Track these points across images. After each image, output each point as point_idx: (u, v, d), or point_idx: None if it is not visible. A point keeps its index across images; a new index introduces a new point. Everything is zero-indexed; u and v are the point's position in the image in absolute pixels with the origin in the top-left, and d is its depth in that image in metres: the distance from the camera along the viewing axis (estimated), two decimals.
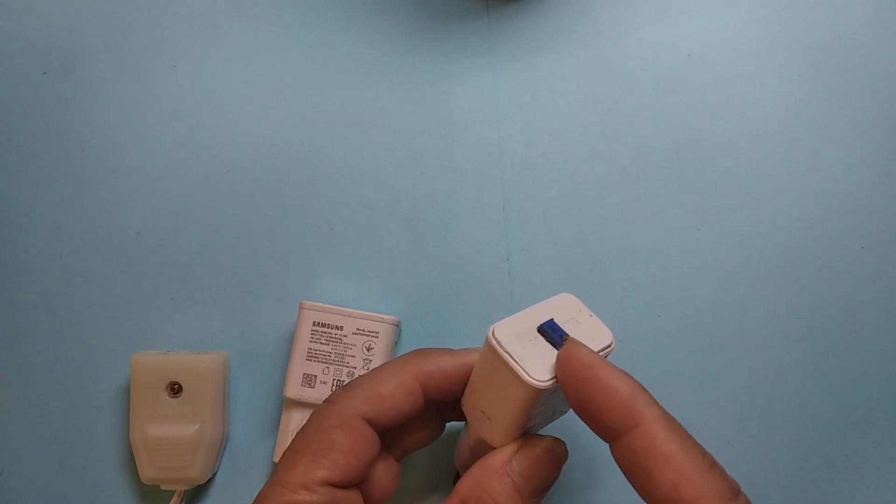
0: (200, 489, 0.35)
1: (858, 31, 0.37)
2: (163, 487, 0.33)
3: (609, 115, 0.36)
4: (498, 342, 0.25)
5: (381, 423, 0.27)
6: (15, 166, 0.37)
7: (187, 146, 0.37)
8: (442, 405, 0.30)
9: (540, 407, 0.25)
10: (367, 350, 0.33)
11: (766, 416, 0.35)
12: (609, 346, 0.26)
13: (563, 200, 0.36)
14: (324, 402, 0.27)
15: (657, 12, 0.37)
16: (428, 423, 0.30)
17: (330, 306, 0.33)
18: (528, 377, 0.24)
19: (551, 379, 0.24)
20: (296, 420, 0.33)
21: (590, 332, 0.26)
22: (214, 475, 0.35)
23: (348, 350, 0.33)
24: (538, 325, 0.25)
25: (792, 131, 0.36)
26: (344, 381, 0.33)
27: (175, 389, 0.33)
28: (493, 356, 0.25)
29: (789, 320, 0.35)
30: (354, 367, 0.33)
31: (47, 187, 0.37)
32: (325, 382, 0.33)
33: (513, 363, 0.24)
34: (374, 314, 0.33)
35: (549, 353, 0.25)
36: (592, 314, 0.27)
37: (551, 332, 0.25)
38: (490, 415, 0.26)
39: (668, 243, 0.36)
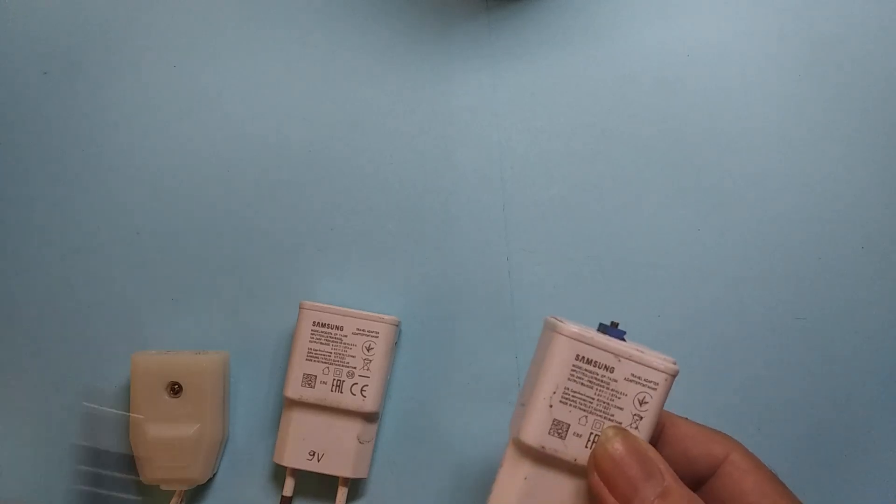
0: (200, 489, 0.35)
1: (858, 31, 0.37)
2: (163, 487, 0.33)
3: (609, 115, 0.36)
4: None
5: None
6: (15, 166, 0.37)
7: (187, 146, 0.37)
8: None
9: (575, 380, 0.24)
10: (367, 350, 0.33)
11: (766, 416, 0.35)
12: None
13: (563, 200, 0.36)
14: None
15: (657, 12, 0.37)
16: None
17: (330, 306, 0.33)
18: (565, 326, 0.24)
19: (588, 337, 0.24)
20: (296, 420, 0.33)
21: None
22: (214, 475, 0.35)
23: (348, 350, 0.33)
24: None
25: (792, 131, 0.36)
26: (344, 380, 0.33)
27: (175, 389, 0.33)
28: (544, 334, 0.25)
29: (789, 320, 0.35)
30: (354, 367, 0.33)
31: (47, 187, 0.37)
32: (325, 382, 0.33)
33: (557, 322, 0.25)
34: (374, 314, 0.33)
35: (597, 333, 0.25)
36: None
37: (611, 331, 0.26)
38: (524, 400, 0.26)
39: (668, 243, 0.36)
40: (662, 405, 0.25)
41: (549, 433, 0.24)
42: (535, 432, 0.24)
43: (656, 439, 0.27)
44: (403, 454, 0.35)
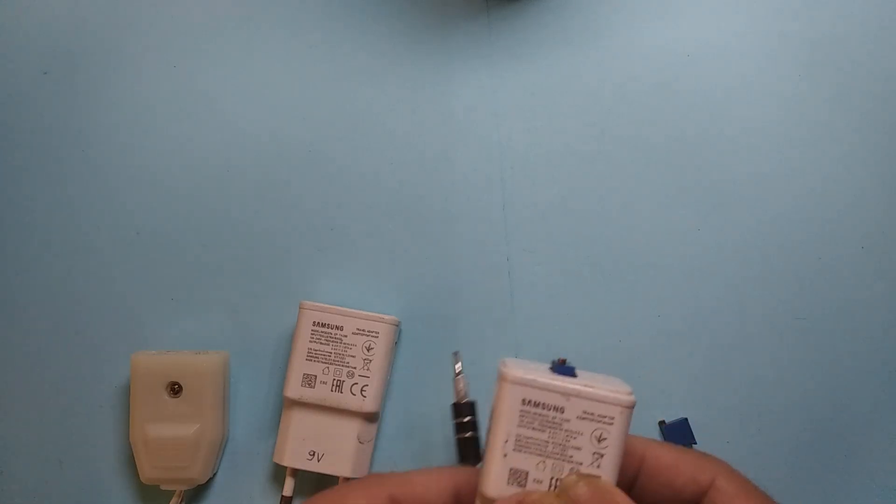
0: (200, 489, 0.35)
1: (858, 30, 0.37)
2: (163, 487, 0.33)
3: (609, 115, 0.36)
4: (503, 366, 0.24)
5: None
6: (15, 166, 0.37)
7: (187, 146, 0.37)
8: None
9: (525, 425, 0.24)
10: (367, 350, 0.33)
11: (766, 416, 0.35)
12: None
13: (564, 200, 0.36)
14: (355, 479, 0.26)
15: (657, 12, 0.37)
16: None
17: (330, 306, 0.33)
18: (508, 371, 0.23)
19: (531, 380, 0.23)
20: (296, 420, 0.33)
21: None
22: (214, 475, 0.35)
23: (348, 350, 0.33)
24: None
25: (791, 131, 0.36)
26: (343, 381, 0.33)
27: (175, 389, 0.33)
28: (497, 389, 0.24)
29: (789, 320, 0.35)
30: (354, 367, 0.33)
31: (47, 187, 0.37)
32: (325, 382, 0.33)
33: (502, 368, 0.24)
34: (374, 314, 0.33)
35: (546, 372, 0.24)
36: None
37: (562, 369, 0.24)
38: (484, 457, 0.25)
39: (668, 243, 0.36)
40: (624, 439, 0.23)
41: (509, 483, 0.23)
42: (494, 484, 0.23)
43: (635, 474, 0.26)
44: (403, 454, 0.35)
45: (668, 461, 0.25)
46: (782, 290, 0.35)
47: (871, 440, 0.34)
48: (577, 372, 0.24)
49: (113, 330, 0.36)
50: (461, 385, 0.32)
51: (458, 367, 0.32)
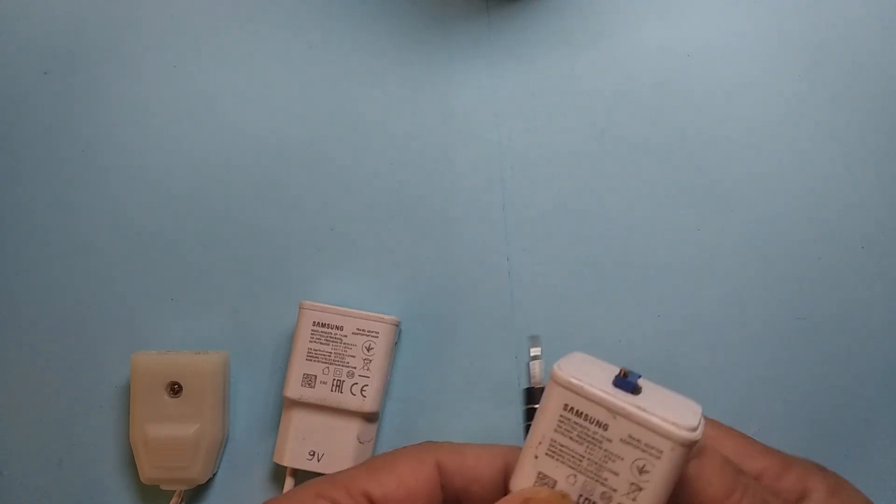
0: (200, 489, 0.35)
1: (858, 30, 0.36)
2: (163, 487, 0.34)
3: (609, 115, 0.36)
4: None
5: (455, 478, 0.24)
6: (15, 166, 0.37)
7: (187, 146, 0.37)
8: None
9: (562, 432, 0.22)
10: (367, 350, 0.33)
11: (766, 416, 0.35)
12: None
13: (564, 200, 0.36)
14: None
15: (657, 12, 0.37)
16: None
17: (330, 306, 0.33)
18: (559, 371, 0.21)
19: (578, 386, 0.21)
20: (296, 420, 0.33)
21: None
22: (214, 475, 0.35)
23: (348, 350, 0.33)
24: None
25: (792, 131, 0.36)
26: (343, 381, 0.33)
27: (175, 389, 0.33)
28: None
29: (789, 320, 0.35)
30: (354, 367, 0.33)
31: (47, 187, 0.37)
32: (325, 382, 0.33)
33: (555, 366, 0.22)
34: (374, 314, 0.33)
35: (603, 381, 0.21)
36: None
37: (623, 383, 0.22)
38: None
39: (668, 243, 0.36)
40: (671, 478, 0.20)
41: (535, 486, 0.22)
42: (520, 483, 0.22)
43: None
44: None
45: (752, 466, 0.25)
46: (782, 290, 0.35)
47: (871, 440, 0.34)
48: (644, 387, 0.22)
49: (113, 330, 0.36)
50: (536, 370, 0.30)
51: (535, 351, 0.30)
